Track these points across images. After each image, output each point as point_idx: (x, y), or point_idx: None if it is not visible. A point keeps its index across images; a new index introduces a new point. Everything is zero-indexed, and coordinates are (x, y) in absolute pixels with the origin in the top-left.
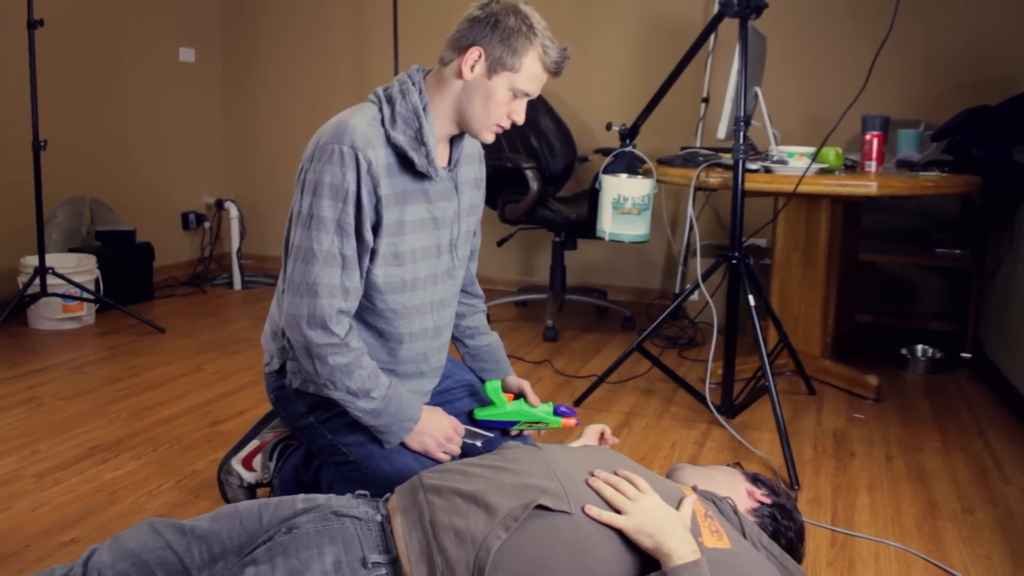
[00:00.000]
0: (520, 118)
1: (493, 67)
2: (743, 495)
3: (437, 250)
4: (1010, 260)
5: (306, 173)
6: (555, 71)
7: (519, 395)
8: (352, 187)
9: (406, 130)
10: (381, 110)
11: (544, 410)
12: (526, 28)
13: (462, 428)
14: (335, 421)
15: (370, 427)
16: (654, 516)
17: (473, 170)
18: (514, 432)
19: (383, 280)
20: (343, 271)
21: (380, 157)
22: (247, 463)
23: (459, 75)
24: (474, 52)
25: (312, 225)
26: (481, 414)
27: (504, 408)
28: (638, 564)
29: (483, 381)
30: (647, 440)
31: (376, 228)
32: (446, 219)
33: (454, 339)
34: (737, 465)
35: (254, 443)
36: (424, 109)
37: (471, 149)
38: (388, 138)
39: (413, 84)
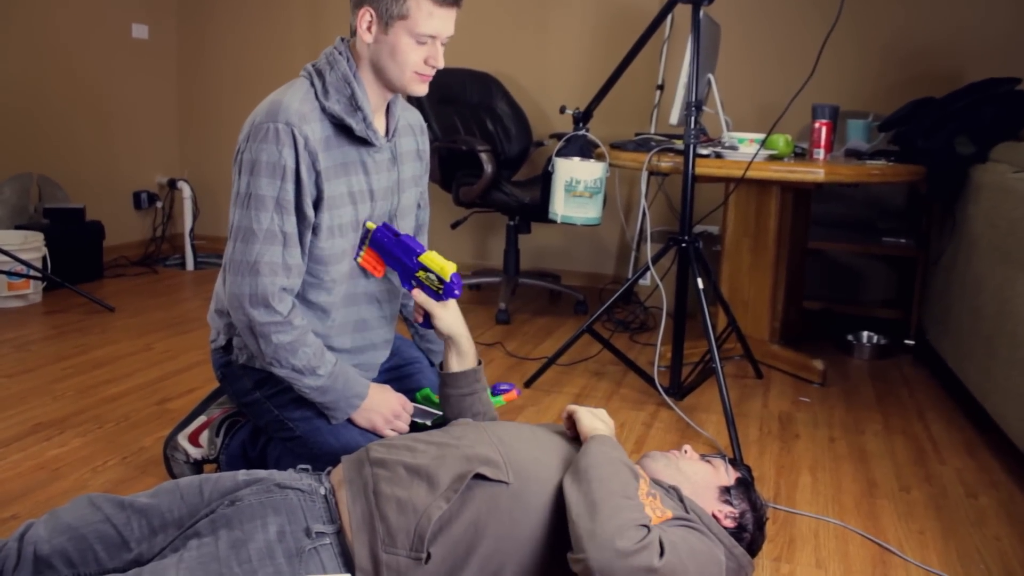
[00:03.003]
0: (439, 62)
1: (385, 22)
2: (710, 498)
3: (377, 220)
4: (951, 249)
5: (243, 154)
6: (447, 3)
7: None
8: (290, 164)
9: (339, 98)
10: (313, 84)
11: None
12: None
13: (410, 405)
14: (281, 396)
15: (317, 404)
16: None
17: (414, 141)
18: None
19: (329, 252)
20: (284, 248)
21: (316, 131)
22: (193, 439)
23: (363, 40)
24: (364, 14)
25: (251, 204)
26: (422, 398)
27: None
28: (564, 535)
29: (430, 363)
30: None
31: (317, 203)
32: (383, 191)
33: (404, 321)
34: (724, 458)
35: (201, 419)
36: (354, 75)
37: (410, 120)
38: (323, 109)
39: (340, 53)
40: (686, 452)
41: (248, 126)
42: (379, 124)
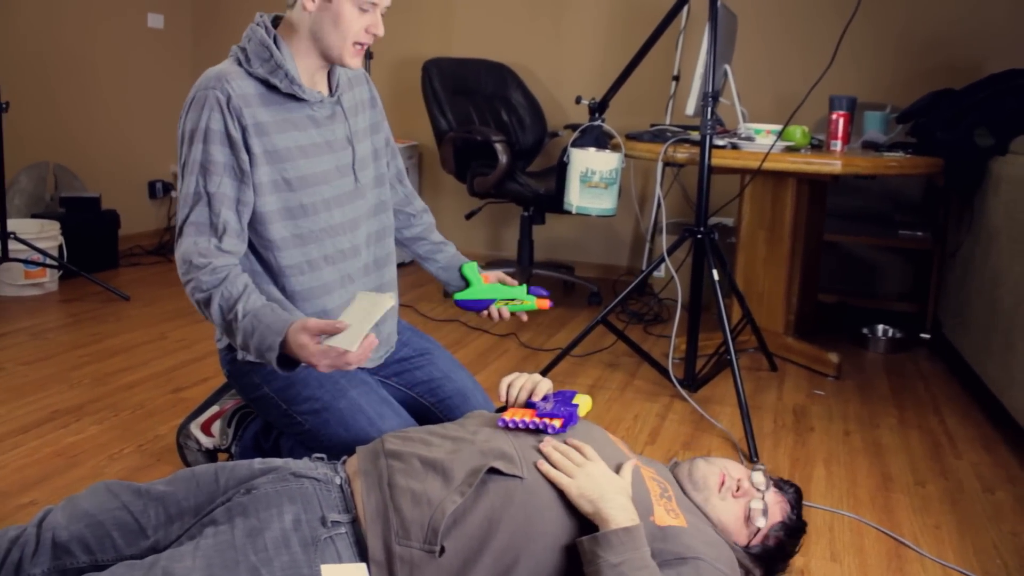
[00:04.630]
0: (379, 30)
1: None
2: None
3: (338, 172)
4: (969, 242)
5: (177, 131)
6: None
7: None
8: (215, 126)
9: (260, 63)
10: (237, 56)
11: (520, 291)
12: None
13: (331, 325)
14: (289, 391)
15: (252, 356)
16: (597, 482)
17: (361, 91)
18: (493, 311)
19: (277, 208)
20: (209, 209)
21: (244, 88)
22: (206, 428)
23: (305, 9)
24: None
25: (184, 173)
26: (461, 296)
27: (481, 287)
28: (580, 530)
29: (455, 287)
30: (610, 412)
31: (251, 155)
32: (340, 142)
33: (423, 260)
34: (762, 470)
35: (214, 409)
36: (274, 40)
37: (350, 74)
38: (249, 74)
39: (257, 25)
40: (739, 487)
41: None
42: (321, 82)
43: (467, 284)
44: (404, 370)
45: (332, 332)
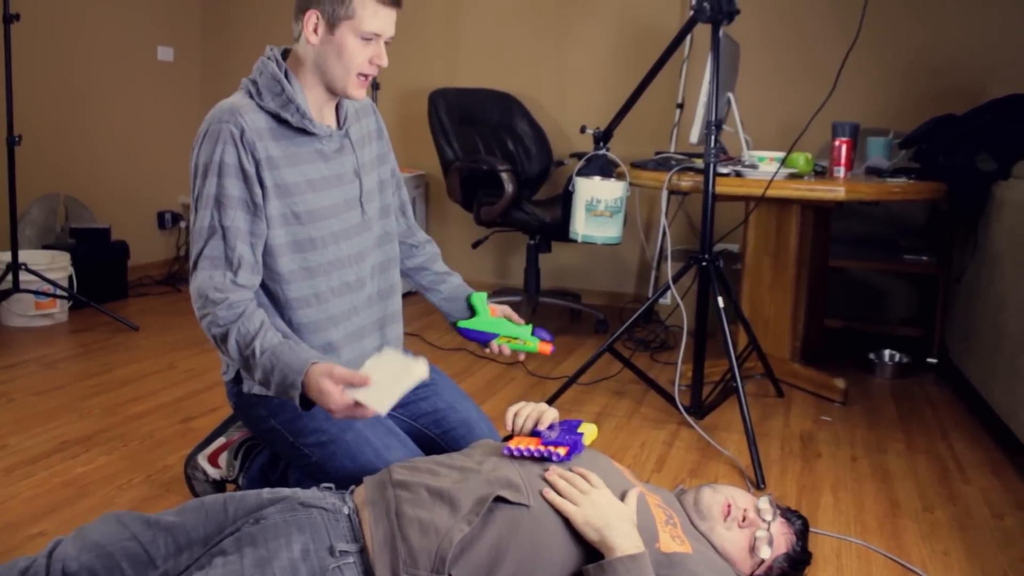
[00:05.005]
0: (383, 60)
1: (331, 22)
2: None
3: (346, 205)
4: (974, 266)
5: (191, 161)
6: (390, 3)
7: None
8: (229, 160)
9: (272, 97)
10: (248, 91)
11: (525, 330)
12: None
13: (358, 378)
14: (296, 423)
15: (271, 393)
16: (602, 510)
17: (368, 123)
18: (494, 345)
19: (286, 241)
20: (224, 243)
21: (253, 122)
22: (213, 460)
23: (308, 42)
24: (311, 17)
25: (197, 206)
26: (465, 324)
27: (487, 319)
28: (586, 557)
29: (457, 318)
30: (617, 440)
31: (264, 189)
32: (348, 175)
33: (426, 290)
34: (769, 500)
35: (220, 440)
36: (286, 75)
37: (357, 106)
38: (260, 107)
39: (269, 59)
40: (744, 517)
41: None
42: (329, 115)
43: (472, 314)
44: (409, 401)
45: (357, 384)
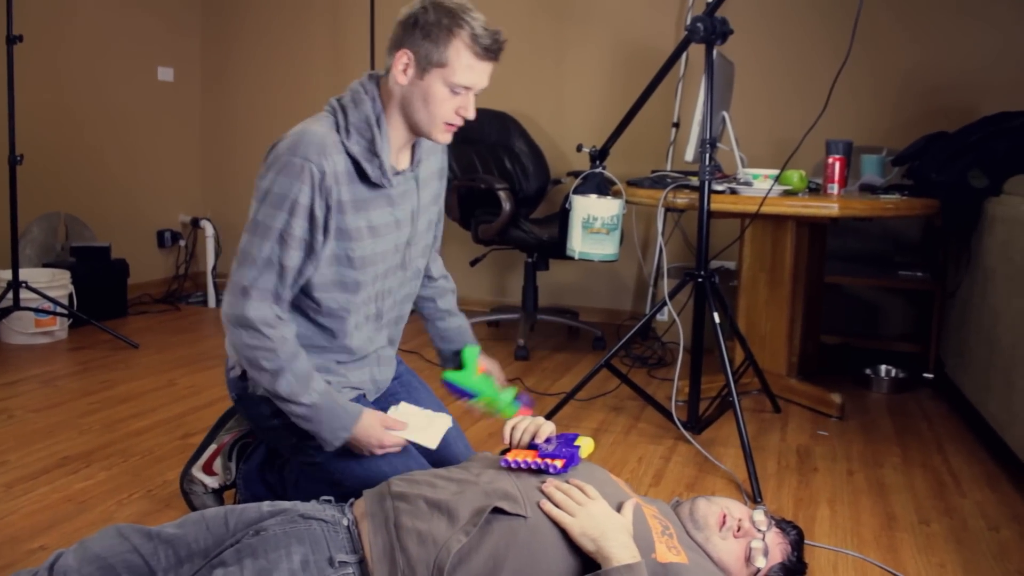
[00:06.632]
0: (470, 113)
1: (422, 66)
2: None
3: (395, 249)
4: (967, 281)
5: (261, 180)
6: (487, 57)
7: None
8: (303, 200)
9: (359, 140)
10: (336, 120)
11: (507, 395)
12: (447, 20)
13: (399, 423)
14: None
15: (309, 431)
16: (598, 521)
17: (436, 160)
18: (470, 404)
19: (331, 279)
20: (279, 279)
21: (337, 164)
22: (208, 468)
23: (397, 82)
24: (402, 56)
25: (257, 231)
26: (450, 376)
27: (472, 377)
28: (583, 568)
29: (446, 361)
30: (614, 455)
31: (326, 234)
32: (406, 219)
33: (425, 320)
34: (764, 511)
35: (211, 448)
36: (377, 120)
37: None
38: (344, 148)
39: (365, 93)
40: (740, 527)
41: (271, 154)
42: (404, 157)
43: (461, 366)
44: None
45: (398, 429)
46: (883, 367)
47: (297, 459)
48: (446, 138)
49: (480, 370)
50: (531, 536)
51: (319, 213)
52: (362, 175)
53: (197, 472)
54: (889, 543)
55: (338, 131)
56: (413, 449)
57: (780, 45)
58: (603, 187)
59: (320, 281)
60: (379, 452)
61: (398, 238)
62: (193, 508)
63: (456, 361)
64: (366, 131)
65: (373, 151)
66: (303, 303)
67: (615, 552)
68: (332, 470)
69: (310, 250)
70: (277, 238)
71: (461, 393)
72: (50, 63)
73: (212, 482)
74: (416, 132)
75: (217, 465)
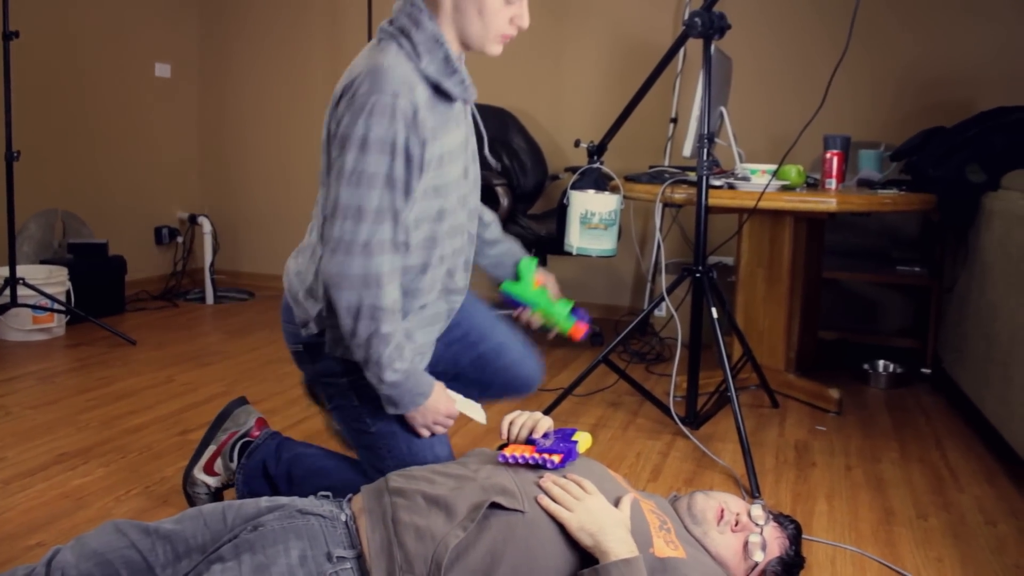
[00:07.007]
0: (524, 22)
1: None
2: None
3: (465, 171)
4: (965, 276)
5: (347, 127)
6: None
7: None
8: (400, 139)
9: (432, 60)
10: (401, 46)
11: (563, 307)
12: None
13: (456, 410)
14: (371, 390)
15: (382, 395)
16: (596, 516)
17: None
18: (526, 314)
19: (418, 215)
20: (395, 226)
21: (421, 96)
22: (209, 469)
23: None
24: None
25: (363, 182)
26: (508, 286)
27: (529, 289)
28: (581, 563)
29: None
30: (612, 450)
31: (421, 171)
32: (467, 139)
33: (476, 255)
34: (762, 505)
35: (211, 448)
36: (443, 34)
37: None
38: (421, 75)
39: (420, 10)
40: (737, 521)
41: (349, 95)
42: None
43: (518, 279)
44: (464, 348)
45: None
46: (881, 362)
47: (347, 423)
48: (498, 49)
49: (537, 283)
50: (529, 531)
51: (415, 151)
52: (438, 98)
53: (199, 474)
54: (887, 537)
55: (409, 58)
56: (448, 442)
57: (778, 40)
58: (601, 182)
59: (413, 217)
60: (438, 429)
61: (465, 159)
62: None
63: (512, 277)
64: (436, 48)
65: (451, 66)
66: (408, 241)
67: (613, 547)
68: (381, 445)
69: (408, 190)
70: (384, 184)
71: (518, 304)
72: (47, 59)
73: (214, 482)
74: (468, 46)
75: (218, 465)
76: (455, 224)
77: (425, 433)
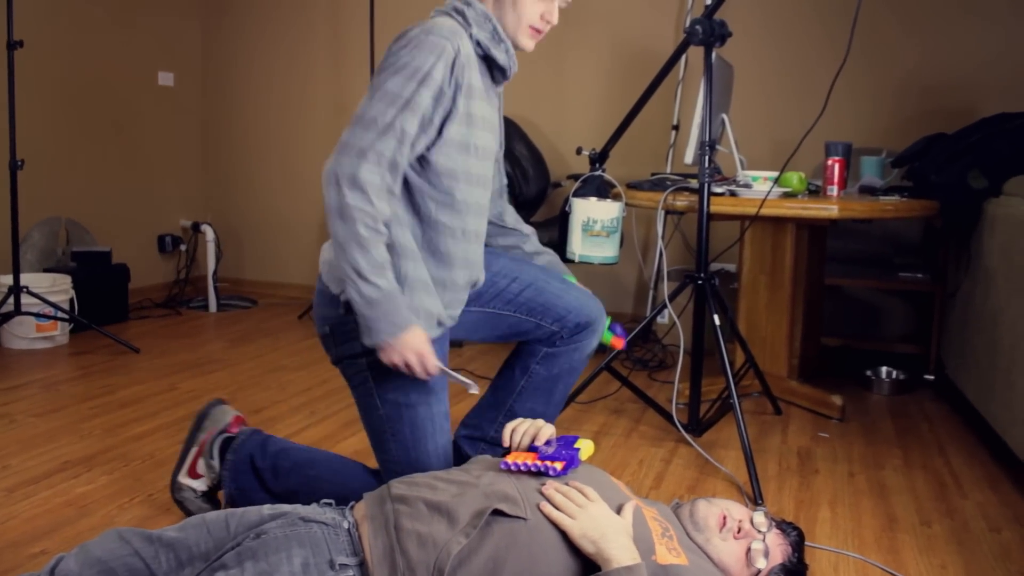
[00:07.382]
0: (553, 18)
1: None
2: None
3: (495, 154)
4: (967, 283)
5: (394, 57)
6: None
7: None
8: (437, 75)
9: (482, 29)
10: (453, 16)
11: (603, 322)
12: None
13: (435, 364)
14: (384, 371)
15: (360, 316)
16: (598, 523)
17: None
18: None
19: (462, 168)
20: (398, 145)
21: (468, 47)
22: (192, 472)
23: None
24: None
25: (384, 98)
26: None
27: None
28: (583, 570)
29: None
30: (615, 457)
31: (449, 115)
32: (497, 126)
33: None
34: (764, 512)
35: (192, 451)
36: (489, 13)
37: None
38: (470, 37)
39: None
40: (740, 528)
41: (401, 39)
42: None
43: None
44: (496, 293)
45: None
46: (884, 369)
47: (360, 400)
48: (530, 44)
49: None
50: (531, 538)
51: (448, 91)
52: (484, 66)
53: (183, 478)
54: (890, 544)
55: (462, 26)
56: (449, 433)
57: (779, 47)
58: (603, 190)
59: (454, 168)
60: (418, 369)
61: (493, 141)
62: (190, 515)
63: None
64: (486, 22)
65: (498, 36)
66: (431, 201)
67: (615, 554)
68: (387, 428)
69: (427, 125)
70: (403, 104)
71: None
72: (51, 68)
73: (200, 484)
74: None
75: (201, 466)
76: (481, 203)
77: (400, 366)
